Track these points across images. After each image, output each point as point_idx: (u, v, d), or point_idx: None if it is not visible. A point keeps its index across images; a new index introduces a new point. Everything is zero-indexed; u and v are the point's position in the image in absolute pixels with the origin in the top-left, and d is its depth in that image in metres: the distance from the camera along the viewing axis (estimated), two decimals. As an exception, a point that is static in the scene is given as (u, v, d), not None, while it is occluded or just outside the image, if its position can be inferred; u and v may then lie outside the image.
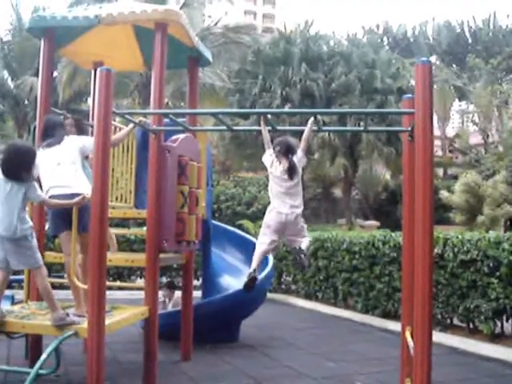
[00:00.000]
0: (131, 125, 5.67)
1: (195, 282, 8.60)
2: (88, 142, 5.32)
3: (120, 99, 26.68)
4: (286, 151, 4.91)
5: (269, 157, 4.98)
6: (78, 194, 4.90)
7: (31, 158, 4.71)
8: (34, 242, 4.71)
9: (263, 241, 4.95)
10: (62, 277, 7.16)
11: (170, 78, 21.15)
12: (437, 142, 39.44)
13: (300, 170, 4.91)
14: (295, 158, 4.89)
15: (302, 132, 5.00)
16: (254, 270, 4.86)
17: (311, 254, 11.82)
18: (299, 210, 4.87)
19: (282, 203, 4.83)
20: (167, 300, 8.53)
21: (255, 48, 31.04)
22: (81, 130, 5.85)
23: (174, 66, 6.92)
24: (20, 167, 4.62)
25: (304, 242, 4.90)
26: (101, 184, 4.53)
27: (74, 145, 5.21)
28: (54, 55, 6.46)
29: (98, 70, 4.67)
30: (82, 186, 5.05)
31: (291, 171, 4.84)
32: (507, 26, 53.70)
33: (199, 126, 7.34)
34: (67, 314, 4.62)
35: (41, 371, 4.55)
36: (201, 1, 26.93)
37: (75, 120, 6.08)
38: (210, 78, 24.25)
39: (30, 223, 4.73)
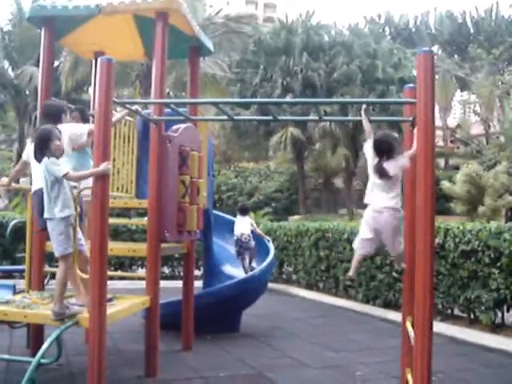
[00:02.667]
0: (123, 111, 5.66)
1: (196, 272, 8.60)
2: (74, 129, 5.36)
3: (121, 89, 26.70)
4: (380, 150, 4.68)
5: (369, 148, 4.79)
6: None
7: (46, 136, 4.68)
8: (68, 229, 4.64)
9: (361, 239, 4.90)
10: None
11: (172, 67, 21.14)
12: (438, 133, 39.39)
13: (393, 173, 4.62)
14: (387, 162, 4.63)
15: (303, 121, 4.97)
16: (350, 276, 4.99)
17: (312, 244, 11.85)
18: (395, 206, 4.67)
19: (375, 199, 4.69)
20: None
21: (256, 38, 30.99)
22: (84, 120, 5.86)
23: (175, 55, 6.90)
24: (38, 148, 4.67)
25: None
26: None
27: (66, 136, 5.18)
28: (54, 45, 6.43)
29: (99, 59, 4.66)
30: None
31: (379, 172, 4.64)
32: (509, 16, 53.53)
33: (200, 115, 7.32)
34: (67, 307, 4.61)
35: (42, 360, 4.56)
36: (202, -10, 26.89)
37: (79, 110, 6.08)
38: (211, 67, 24.22)
39: (68, 210, 4.64)
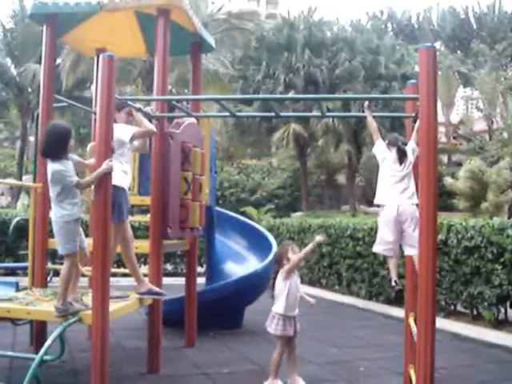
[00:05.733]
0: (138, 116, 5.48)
1: (199, 269, 8.61)
2: (119, 133, 5.09)
3: (123, 86, 26.68)
4: (396, 141, 4.81)
5: (380, 147, 4.84)
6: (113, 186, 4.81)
7: (67, 135, 4.56)
8: (75, 228, 4.61)
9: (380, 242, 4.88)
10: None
11: (174, 64, 21.11)
12: (441, 129, 39.32)
13: (411, 160, 4.70)
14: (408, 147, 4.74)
15: (306, 118, 4.95)
16: (395, 280, 4.90)
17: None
18: (413, 201, 4.62)
19: (392, 196, 4.69)
20: None
21: (258, 34, 30.94)
22: None
23: (176, 52, 6.89)
24: (56, 145, 4.50)
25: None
26: (104, 171, 4.51)
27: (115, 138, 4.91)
28: (56, 42, 6.41)
29: (101, 56, 4.65)
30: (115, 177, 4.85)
31: (402, 157, 4.69)
32: (512, 12, 53.32)
33: (202, 112, 7.31)
34: (70, 303, 4.61)
35: (45, 357, 4.57)
36: (205, -13, 26.86)
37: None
38: (213, 64, 24.20)
39: (77, 210, 4.59)
